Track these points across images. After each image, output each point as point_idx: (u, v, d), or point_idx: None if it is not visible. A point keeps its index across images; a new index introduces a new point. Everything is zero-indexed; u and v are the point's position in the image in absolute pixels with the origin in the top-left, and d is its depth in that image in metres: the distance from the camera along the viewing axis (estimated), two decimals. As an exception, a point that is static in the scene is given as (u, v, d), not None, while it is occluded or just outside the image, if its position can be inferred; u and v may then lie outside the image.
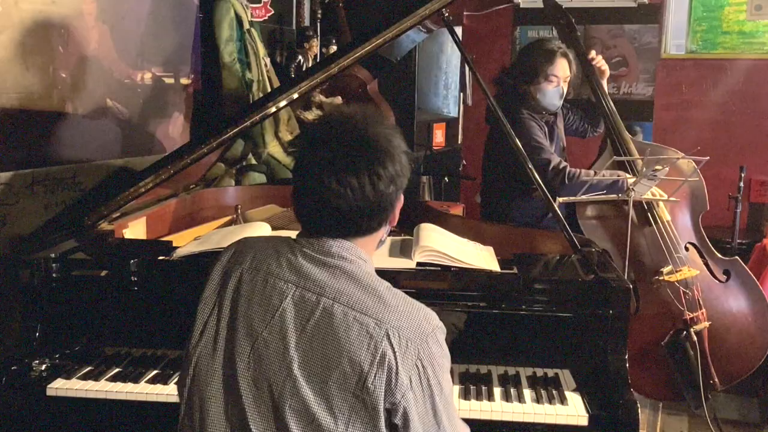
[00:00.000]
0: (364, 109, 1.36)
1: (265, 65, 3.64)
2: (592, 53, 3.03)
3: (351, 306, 1.26)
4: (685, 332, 2.73)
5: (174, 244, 2.15)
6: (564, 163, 2.79)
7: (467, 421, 1.70)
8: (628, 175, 2.71)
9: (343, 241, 1.32)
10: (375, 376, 1.22)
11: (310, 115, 4.06)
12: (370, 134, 1.30)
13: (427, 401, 1.26)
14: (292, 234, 1.42)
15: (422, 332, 1.26)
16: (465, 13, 5.09)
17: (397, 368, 1.23)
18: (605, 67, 3.05)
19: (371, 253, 1.39)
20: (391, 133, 1.34)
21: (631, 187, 2.56)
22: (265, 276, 1.31)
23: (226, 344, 1.32)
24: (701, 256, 2.89)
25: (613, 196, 2.72)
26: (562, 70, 2.89)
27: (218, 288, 1.36)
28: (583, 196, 2.70)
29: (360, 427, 1.23)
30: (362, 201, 1.28)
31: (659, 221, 2.81)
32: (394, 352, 1.23)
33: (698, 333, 2.73)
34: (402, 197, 1.37)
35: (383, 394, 1.22)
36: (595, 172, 2.76)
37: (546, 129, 2.92)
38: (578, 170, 2.77)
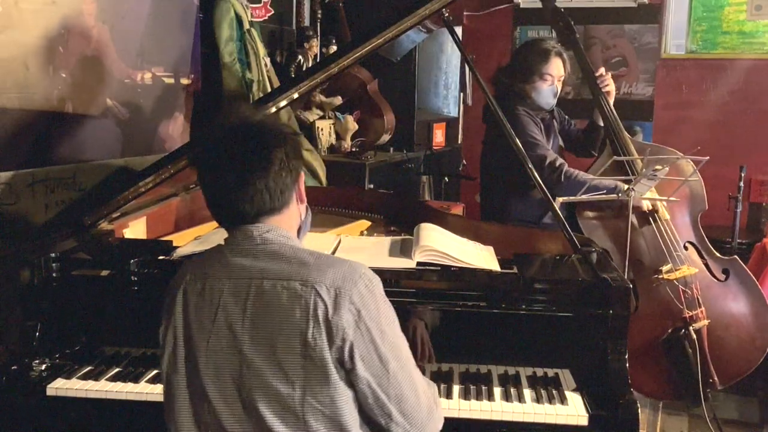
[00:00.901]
0: (244, 109, 1.49)
1: (265, 65, 3.64)
2: (601, 70, 2.99)
3: (277, 277, 1.35)
4: (684, 330, 2.73)
5: (174, 244, 2.15)
6: (560, 161, 2.79)
7: (467, 421, 1.72)
8: (626, 183, 2.72)
9: (260, 225, 1.42)
10: (313, 329, 1.30)
11: (311, 115, 4.07)
12: (253, 124, 1.43)
13: (369, 345, 1.32)
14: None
15: (350, 279, 1.35)
16: (465, 13, 5.09)
17: (330, 315, 1.31)
18: (612, 88, 2.99)
19: (293, 230, 1.49)
20: (275, 120, 1.49)
21: (631, 187, 2.56)
22: (203, 282, 1.41)
23: (186, 355, 1.40)
24: (700, 255, 2.89)
25: (613, 196, 2.73)
26: (557, 69, 2.93)
27: (167, 309, 1.45)
28: (583, 196, 2.70)
29: (317, 387, 1.30)
30: (260, 185, 1.39)
31: (659, 220, 2.81)
32: (324, 302, 1.31)
33: (697, 331, 2.73)
34: (302, 175, 1.50)
35: (326, 343, 1.30)
36: (594, 176, 2.77)
37: (542, 126, 2.92)
38: (577, 171, 2.77)
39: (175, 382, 1.41)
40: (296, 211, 1.51)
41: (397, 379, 1.34)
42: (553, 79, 2.93)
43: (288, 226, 1.47)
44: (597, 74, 2.98)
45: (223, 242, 1.48)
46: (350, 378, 1.33)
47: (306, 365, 1.31)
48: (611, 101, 2.99)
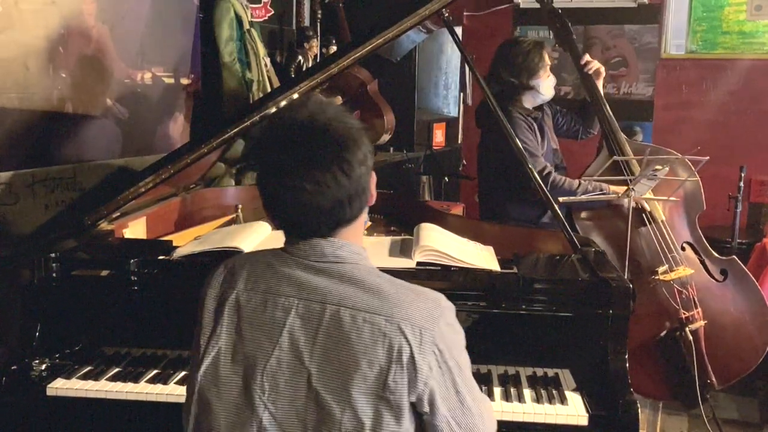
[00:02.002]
0: (307, 100, 1.32)
1: (265, 65, 3.64)
2: (586, 57, 3.03)
3: (357, 308, 1.23)
4: (680, 331, 2.73)
5: (174, 244, 2.15)
6: (549, 168, 2.81)
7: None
8: (613, 187, 2.74)
9: (333, 240, 1.30)
10: (395, 373, 1.20)
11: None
12: (326, 123, 1.26)
13: (448, 383, 1.25)
14: None
15: (433, 317, 1.25)
16: (465, 13, 5.09)
17: (415, 359, 1.21)
18: (597, 65, 3.03)
19: (360, 237, 1.38)
20: (345, 116, 1.30)
21: (631, 187, 2.56)
22: (263, 295, 1.28)
23: (231, 372, 1.28)
24: (698, 255, 2.89)
25: (613, 196, 2.73)
26: (548, 59, 3.03)
27: (214, 315, 1.32)
28: (583, 197, 2.70)
29: (386, 425, 1.21)
30: (340, 192, 1.25)
31: (654, 221, 2.81)
32: (410, 344, 1.21)
33: (694, 332, 2.73)
34: (374, 174, 1.35)
35: (407, 388, 1.21)
36: (580, 183, 2.78)
37: (536, 127, 2.93)
38: (563, 179, 2.79)
39: (213, 395, 1.28)
40: (365, 214, 1.37)
41: (470, 410, 1.28)
42: (548, 69, 3.02)
43: (358, 234, 1.37)
44: (582, 62, 3.01)
45: (281, 247, 1.34)
46: (427, 418, 1.24)
47: (380, 406, 1.21)
48: (600, 82, 3.03)
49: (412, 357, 1.21)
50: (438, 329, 1.24)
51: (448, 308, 1.30)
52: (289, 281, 1.28)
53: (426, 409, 1.23)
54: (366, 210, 1.37)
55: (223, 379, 1.28)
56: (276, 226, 1.35)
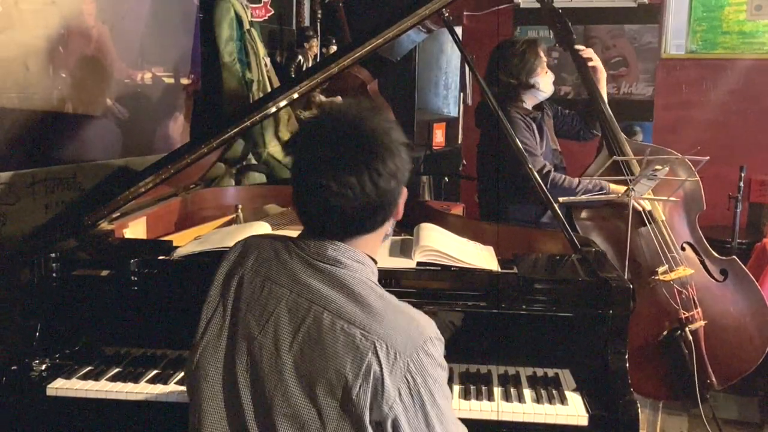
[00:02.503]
0: (359, 103, 1.32)
1: (265, 65, 3.64)
2: (580, 46, 3.05)
3: (339, 315, 1.23)
4: (680, 331, 2.73)
5: (174, 244, 2.15)
6: (548, 168, 2.80)
7: (467, 421, 1.71)
8: (613, 183, 2.74)
9: (340, 244, 1.30)
10: (360, 389, 1.19)
11: (311, 115, 4.07)
12: (367, 129, 1.26)
13: (418, 412, 1.22)
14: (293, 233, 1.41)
15: (412, 344, 1.22)
16: (465, 13, 5.09)
17: (383, 381, 1.19)
18: (596, 63, 3.05)
19: (376, 249, 1.37)
20: (389, 127, 1.30)
21: (630, 187, 2.56)
22: (263, 280, 1.31)
23: (227, 345, 1.32)
24: (698, 255, 2.89)
25: (613, 196, 2.73)
26: (545, 55, 3.05)
27: (221, 289, 1.35)
28: (583, 197, 2.70)
29: None
30: (364, 200, 1.25)
31: (654, 221, 2.81)
32: (380, 366, 1.19)
33: (693, 332, 2.73)
34: (405, 191, 1.34)
35: (368, 406, 1.19)
36: (580, 181, 2.78)
37: (534, 126, 2.93)
38: (562, 177, 2.79)
39: (208, 364, 1.32)
40: (387, 227, 1.36)
41: None
42: (546, 67, 3.03)
43: (374, 245, 1.35)
44: (576, 48, 3.04)
45: (294, 241, 1.35)
46: None
47: (342, 416, 1.20)
48: (603, 83, 3.04)
49: (381, 378, 1.19)
50: (416, 358, 1.21)
51: (433, 340, 1.26)
52: (287, 273, 1.30)
53: (389, 431, 1.21)
54: (391, 223, 1.36)
55: (218, 352, 1.31)
56: (300, 222, 1.35)
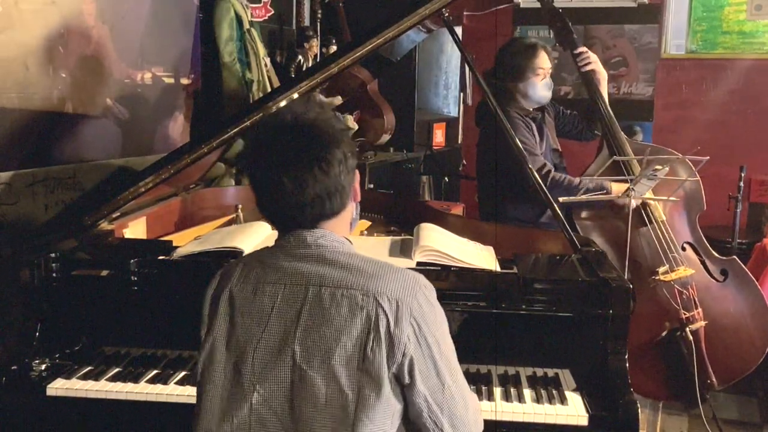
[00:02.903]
0: (296, 103, 1.42)
1: (265, 65, 3.64)
2: (582, 49, 3.02)
3: (336, 285, 1.31)
4: (680, 332, 2.73)
5: (174, 244, 2.15)
6: (548, 167, 2.79)
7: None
8: (614, 182, 2.73)
9: (315, 231, 1.38)
10: (373, 343, 1.26)
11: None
12: (307, 124, 1.35)
13: (427, 360, 1.29)
14: None
15: (410, 290, 1.31)
16: (465, 13, 5.09)
17: (392, 329, 1.27)
18: (596, 67, 3.01)
19: (346, 232, 1.45)
20: (328, 117, 1.39)
21: (631, 187, 2.56)
22: (254, 285, 1.36)
23: (226, 358, 1.35)
24: (698, 255, 2.89)
25: (613, 196, 2.73)
26: (546, 62, 2.97)
27: (210, 310, 1.40)
28: (583, 196, 2.70)
29: (369, 400, 1.26)
30: (319, 188, 1.33)
31: (654, 221, 2.81)
32: (386, 314, 1.27)
33: (694, 332, 2.73)
34: (357, 173, 1.43)
35: (385, 359, 1.26)
36: (580, 180, 2.77)
37: (534, 127, 2.93)
38: (562, 176, 2.78)
39: (208, 385, 1.36)
40: (350, 210, 1.46)
41: (451, 392, 1.31)
42: (545, 72, 2.96)
43: (342, 228, 1.44)
44: (577, 51, 3.00)
45: (273, 244, 1.43)
46: (405, 392, 1.29)
47: (361, 377, 1.26)
48: (604, 84, 3.01)
49: (388, 327, 1.27)
50: (415, 302, 1.30)
51: (426, 286, 1.35)
52: (275, 270, 1.36)
53: (407, 380, 1.28)
54: (352, 206, 1.46)
55: (216, 365, 1.35)
56: (269, 222, 1.44)
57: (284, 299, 1.33)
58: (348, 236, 1.45)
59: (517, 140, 2.27)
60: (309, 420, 1.28)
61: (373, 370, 1.26)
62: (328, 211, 1.37)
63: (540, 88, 2.95)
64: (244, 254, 1.93)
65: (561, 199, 2.50)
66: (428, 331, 1.30)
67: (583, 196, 2.70)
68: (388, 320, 1.27)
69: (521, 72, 2.93)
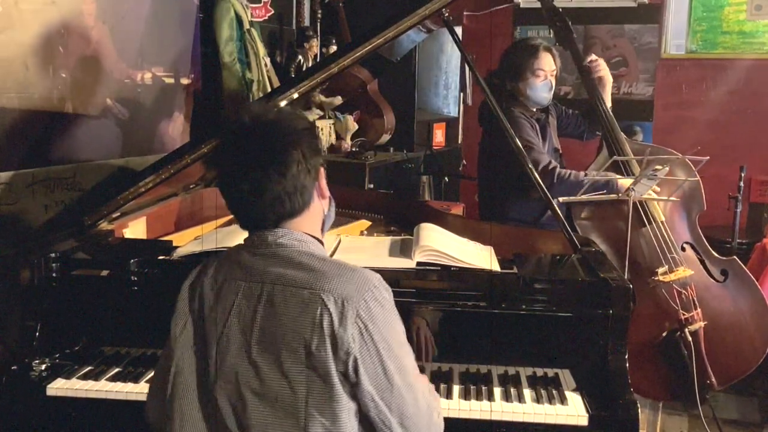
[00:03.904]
0: (256, 107, 1.44)
1: (265, 65, 3.64)
2: (593, 57, 3.02)
3: (287, 284, 1.33)
4: (679, 332, 2.73)
5: (174, 244, 2.15)
6: (553, 164, 2.79)
7: (467, 421, 1.72)
8: (619, 177, 2.73)
9: (277, 230, 1.40)
10: (318, 341, 1.28)
11: (311, 115, 4.07)
12: (264, 126, 1.38)
13: (374, 359, 1.30)
14: None
15: (358, 291, 1.31)
16: (465, 13, 5.09)
17: (335, 328, 1.28)
18: (604, 74, 3.01)
19: (315, 230, 1.47)
20: (286, 118, 1.41)
21: (631, 187, 2.56)
22: (221, 282, 1.40)
23: (196, 352, 1.41)
24: (698, 255, 2.88)
25: (613, 196, 2.73)
26: (548, 64, 2.94)
27: (187, 302, 1.45)
28: (583, 196, 2.70)
29: (319, 398, 1.28)
30: (278, 188, 1.35)
31: (653, 222, 2.81)
32: (330, 315, 1.28)
33: (693, 333, 2.72)
34: (322, 170, 1.46)
35: (331, 356, 1.28)
36: (586, 174, 2.77)
37: (537, 127, 2.93)
38: (568, 172, 2.77)
39: (181, 379, 1.40)
40: (318, 207, 1.47)
41: (400, 392, 1.32)
42: (546, 74, 2.93)
43: (310, 225, 1.45)
44: (588, 60, 2.99)
45: (242, 242, 1.46)
46: (354, 391, 1.30)
47: (310, 375, 1.28)
48: (608, 89, 3.01)
49: (332, 326, 1.28)
50: (363, 303, 1.31)
51: (379, 287, 1.35)
52: (240, 267, 1.40)
53: (353, 378, 1.29)
54: (319, 203, 1.47)
55: (188, 360, 1.41)
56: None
57: (244, 296, 1.36)
58: (318, 234, 1.47)
59: (518, 140, 2.27)
60: (262, 416, 1.30)
61: (321, 368, 1.28)
62: (289, 211, 1.39)
63: (539, 89, 2.93)
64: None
65: (561, 199, 2.50)
66: (375, 330, 1.30)
67: (584, 196, 2.70)
68: (332, 319, 1.28)
69: (521, 72, 2.93)
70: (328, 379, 1.28)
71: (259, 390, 1.31)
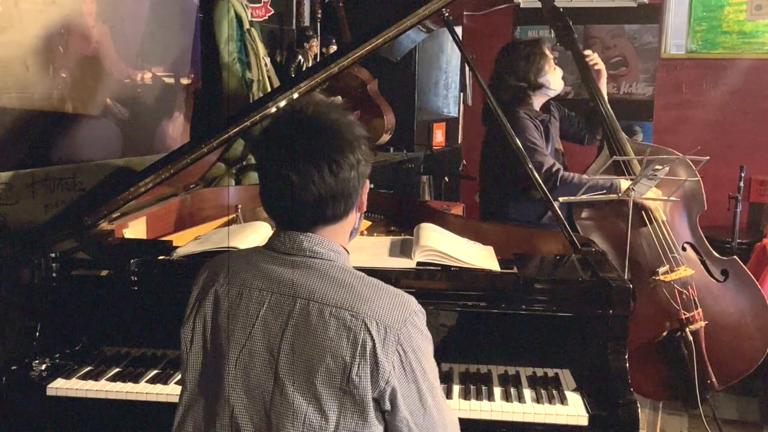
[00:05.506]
0: (319, 100, 1.39)
1: (265, 65, 3.64)
2: (588, 51, 3.07)
3: (325, 302, 1.26)
4: (680, 332, 2.73)
5: (174, 244, 2.15)
6: (557, 166, 2.81)
7: (467, 421, 1.72)
8: (622, 179, 2.73)
9: (313, 236, 1.33)
10: (359, 367, 1.23)
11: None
12: (326, 122, 1.32)
13: (411, 385, 1.27)
14: None
15: (400, 318, 1.27)
16: (465, 13, 5.09)
17: (378, 356, 1.24)
18: (601, 66, 3.09)
19: (344, 242, 1.40)
20: (350, 121, 1.36)
21: (631, 187, 2.56)
22: (239, 289, 1.33)
23: (210, 363, 1.34)
24: (699, 255, 2.88)
25: (613, 196, 2.73)
26: (549, 51, 3.07)
27: (196, 310, 1.37)
28: (583, 196, 2.70)
29: (351, 420, 1.24)
30: (324, 189, 1.29)
31: (655, 221, 2.81)
32: (374, 341, 1.24)
33: (694, 333, 2.73)
34: (367, 183, 1.39)
35: (369, 383, 1.24)
36: (589, 177, 2.78)
37: (541, 128, 2.94)
38: (572, 175, 2.79)
39: (189, 385, 1.36)
40: (353, 219, 1.40)
41: (431, 413, 1.30)
42: (553, 62, 3.05)
43: (341, 236, 1.38)
44: (584, 53, 3.05)
45: (264, 243, 1.40)
46: (387, 417, 1.27)
47: (344, 400, 1.24)
48: (603, 81, 3.06)
49: (375, 353, 1.24)
50: (405, 330, 1.27)
51: (417, 312, 1.31)
52: (263, 275, 1.32)
53: (387, 407, 1.26)
54: (355, 215, 1.40)
55: (202, 369, 1.35)
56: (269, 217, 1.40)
57: (270, 308, 1.29)
58: (347, 246, 1.41)
59: (518, 141, 2.27)
60: None
61: (358, 394, 1.24)
62: (329, 215, 1.32)
63: (557, 77, 3.04)
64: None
65: (561, 199, 2.50)
66: (415, 358, 1.27)
67: (584, 196, 2.70)
68: (374, 346, 1.24)
69: (541, 67, 2.99)
70: (363, 404, 1.24)
71: (285, 410, 1.25)
